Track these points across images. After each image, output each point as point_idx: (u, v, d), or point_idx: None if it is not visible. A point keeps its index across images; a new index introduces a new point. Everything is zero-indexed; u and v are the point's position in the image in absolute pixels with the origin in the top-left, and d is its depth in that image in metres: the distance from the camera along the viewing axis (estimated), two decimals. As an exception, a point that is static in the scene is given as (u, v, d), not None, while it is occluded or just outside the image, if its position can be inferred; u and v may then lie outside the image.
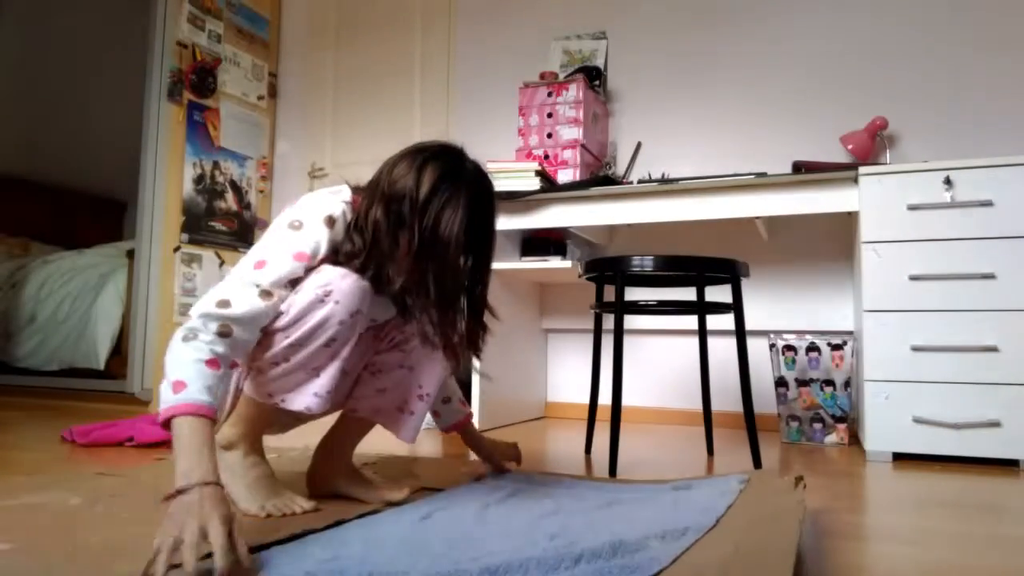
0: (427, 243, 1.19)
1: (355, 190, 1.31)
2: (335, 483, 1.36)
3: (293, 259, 1.19)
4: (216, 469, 0.96)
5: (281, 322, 1.18)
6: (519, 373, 2.92)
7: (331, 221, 1.24)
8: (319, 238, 1.22)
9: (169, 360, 1.05)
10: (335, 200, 1.26)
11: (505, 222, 2.58)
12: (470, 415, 1.62)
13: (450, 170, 1.23)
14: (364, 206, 1.25)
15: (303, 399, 1.22)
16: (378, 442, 2.21)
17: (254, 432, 1.29)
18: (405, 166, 1.23)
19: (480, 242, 1.28)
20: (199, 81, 3.39)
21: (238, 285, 1.15)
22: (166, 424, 1.00)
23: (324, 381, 1.23)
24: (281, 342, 1.18)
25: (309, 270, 1.21)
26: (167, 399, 1.01)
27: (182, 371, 1.03)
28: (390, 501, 1.31)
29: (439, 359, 1.39)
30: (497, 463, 1.64)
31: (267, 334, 1.19)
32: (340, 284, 1.18)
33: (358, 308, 1.21)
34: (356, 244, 1.24)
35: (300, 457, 1.76)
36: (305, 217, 1.23)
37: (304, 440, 1.67)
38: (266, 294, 1.15)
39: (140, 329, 3.13)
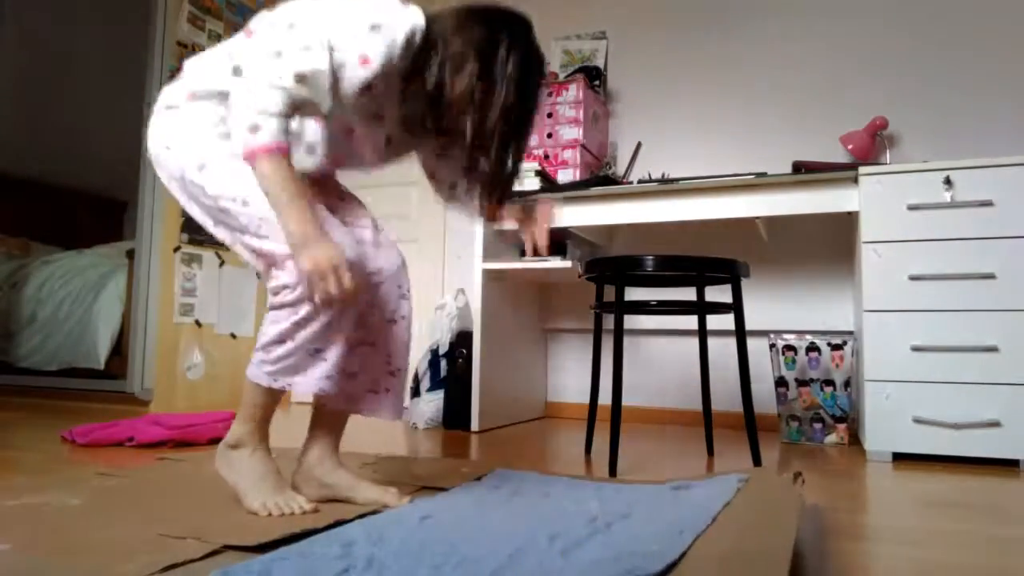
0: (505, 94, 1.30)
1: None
2: (329, 486, 1.34)
3: (360, 65, 1.18)
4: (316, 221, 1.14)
5: (288, 297, 1.18)
6: (519, 373, 2.92)
7: (411, 42, 1.22)
8: (394, 55, 1.20)
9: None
10: (415, 15, 1.24)
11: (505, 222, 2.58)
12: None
13: (517, 30, 1.43)
14: (443, 45, 1.26)
15: (313, 383, 1.23)
16: (378, 442, 2.21)
17: (260, 427, 1.29)
18: (469, 20, 1.33)
19: (531, 92, 1.38)
20: (199, 81, 3.38)
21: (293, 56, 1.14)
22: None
23: (329, 365, 1.23)
24: (289, 318, 1.19)
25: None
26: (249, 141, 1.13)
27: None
28: (388, 505, 1.30)
29: (402, 331, 1.39)
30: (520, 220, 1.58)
31: (274, 308, 1.20)
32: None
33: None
34: (429, 83, 1.24)
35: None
36: (393, 24, 1.20)
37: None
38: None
39: (140, 329, 3.13)
